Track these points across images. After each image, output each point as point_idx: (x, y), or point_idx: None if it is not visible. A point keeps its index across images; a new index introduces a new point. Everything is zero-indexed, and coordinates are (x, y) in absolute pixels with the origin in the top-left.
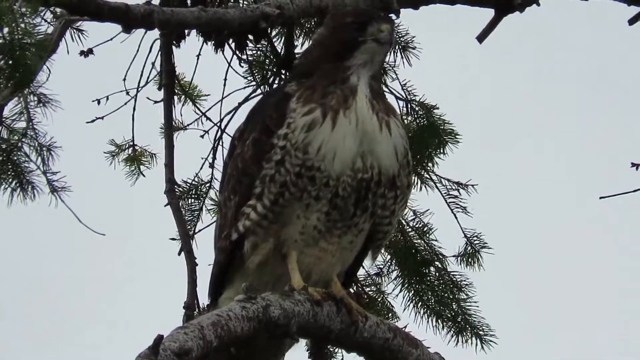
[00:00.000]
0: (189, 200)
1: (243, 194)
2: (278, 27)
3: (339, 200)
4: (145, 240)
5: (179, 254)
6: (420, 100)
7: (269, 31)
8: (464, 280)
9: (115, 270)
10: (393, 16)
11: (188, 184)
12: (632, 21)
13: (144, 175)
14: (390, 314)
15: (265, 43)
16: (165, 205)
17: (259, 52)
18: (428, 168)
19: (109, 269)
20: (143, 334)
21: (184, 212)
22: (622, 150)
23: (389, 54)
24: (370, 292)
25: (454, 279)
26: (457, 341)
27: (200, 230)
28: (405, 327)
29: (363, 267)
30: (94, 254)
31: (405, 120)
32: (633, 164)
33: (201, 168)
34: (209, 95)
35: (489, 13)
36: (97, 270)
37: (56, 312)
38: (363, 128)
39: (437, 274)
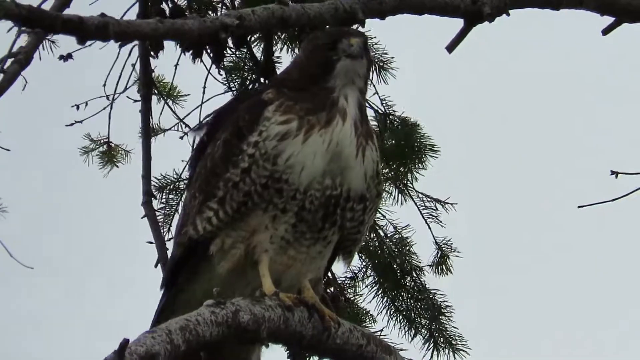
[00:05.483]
0: (168, 195)
1: (209, 194)
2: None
3: (306, 213)
4: (120, 250)
5: (155, 266)
6: (399, 115)
7: (248, 38)
8: (445, 301)
9: (86, 278)
10: (361, 28)
11: (167, 179)
12: (605, 31)
13: (117, 167)
14: (366, 319)
15: (245, 50)
16: (142, 217)
17: (236, 59)
18: (407, 183)
19: (81, 278)
20: (114, 342)
21: (157, 204)
22: (603, 158)
23: (371, 69)
24: (347, 295)
25: (433, 299)
26: (431, 350)
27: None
28: (380, 331)
29: (332, 273)
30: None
31: (384, 136)
32: (612, 172)
33: (182, 171)
34: (188, 95)
35: (458, 23)
36: (68, 280)
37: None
38: (337, 150)
39: (412, 283)
